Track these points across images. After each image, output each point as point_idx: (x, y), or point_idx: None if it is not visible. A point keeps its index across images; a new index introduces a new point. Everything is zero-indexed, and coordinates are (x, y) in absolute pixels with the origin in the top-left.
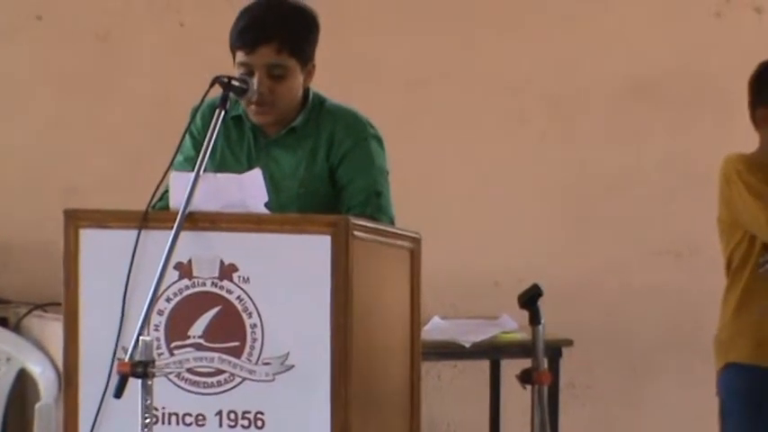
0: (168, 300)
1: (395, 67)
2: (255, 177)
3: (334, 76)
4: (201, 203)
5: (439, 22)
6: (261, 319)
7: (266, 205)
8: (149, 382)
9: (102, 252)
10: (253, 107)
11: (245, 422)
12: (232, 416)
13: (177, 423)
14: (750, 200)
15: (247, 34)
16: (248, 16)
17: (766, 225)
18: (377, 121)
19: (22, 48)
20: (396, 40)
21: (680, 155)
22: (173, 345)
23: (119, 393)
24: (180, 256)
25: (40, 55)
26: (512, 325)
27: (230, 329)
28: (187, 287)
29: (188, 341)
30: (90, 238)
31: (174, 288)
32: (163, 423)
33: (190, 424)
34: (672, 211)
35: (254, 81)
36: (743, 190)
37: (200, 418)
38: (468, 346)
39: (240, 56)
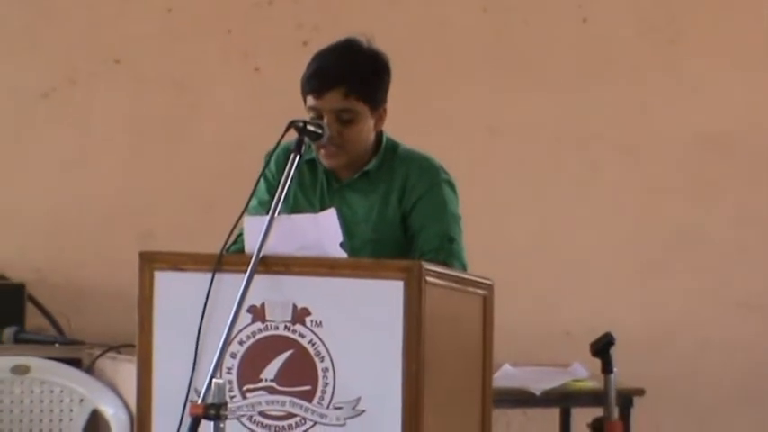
0: (241, 342)
1: (469, 116)
2: (331, 217)
3: (408, 122)
4: (277, 245)
5: (512, 72)
6: (333, 364)
7: (341, 245)
8: (221, 425)
9: (177, 294)
10: (322, 151)
11: None
12: None
13: None
14: None
15: (316, 79)
16: (318, 62)
17: None
18: (450, 168)
19: (100, 92)
20: (470, 90)
21: (754, 208)
22: (245, 387)
23: None
24: (253, 299)
25: (117, 99)
26: (583, 373)
27: (302, 373)
28: (260, 330)
29: (260, 384)
30: (165, 281)
31: (247, 331)
32: None
33: None
34: (745, 265)
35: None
36: None
37: None
38: (538, 393)
39: (310, 100)
